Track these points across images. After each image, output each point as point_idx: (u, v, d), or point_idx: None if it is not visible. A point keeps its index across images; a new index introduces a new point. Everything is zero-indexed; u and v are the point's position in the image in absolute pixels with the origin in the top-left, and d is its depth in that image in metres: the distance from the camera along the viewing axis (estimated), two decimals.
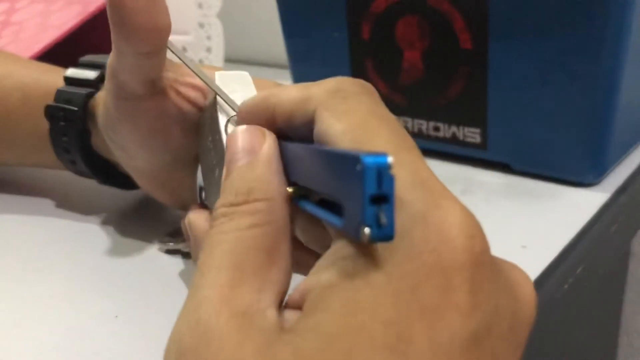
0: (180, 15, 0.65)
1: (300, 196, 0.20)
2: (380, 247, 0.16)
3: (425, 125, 0.46)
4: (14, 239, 0.38)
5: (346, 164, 0.15)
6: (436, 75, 0.44)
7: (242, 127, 0.22)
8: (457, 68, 0.43)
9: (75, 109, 0.34)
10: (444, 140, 0.46)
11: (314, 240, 0.24)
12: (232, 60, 0.83)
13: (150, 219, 0.39)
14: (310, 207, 0.19)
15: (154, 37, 0.27)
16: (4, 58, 0.41)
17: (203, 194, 0.34)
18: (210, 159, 0.29)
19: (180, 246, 0.35)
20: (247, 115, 0.23)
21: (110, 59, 0.29)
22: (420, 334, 0.15)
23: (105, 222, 0.39)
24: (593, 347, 0.60)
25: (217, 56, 0.66)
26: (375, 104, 0.20)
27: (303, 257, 0.24)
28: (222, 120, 0.26)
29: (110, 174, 0.37)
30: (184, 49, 0.67)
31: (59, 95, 0.35)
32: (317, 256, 0.23)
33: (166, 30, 0.27)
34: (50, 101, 0.36)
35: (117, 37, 0.27)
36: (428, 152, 0.47)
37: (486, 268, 0.16)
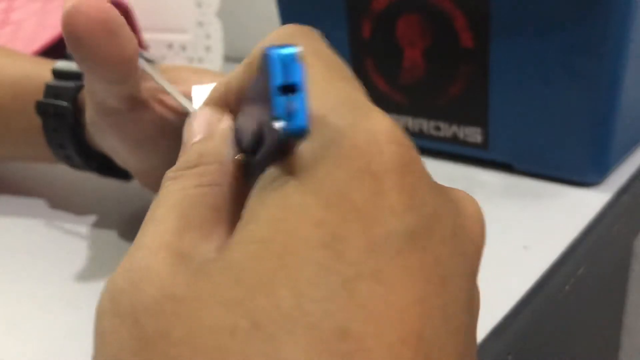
0: (178, 14, 0.65)
1: (249, 161, 0.20)
2: (308, 160, 0.16)
3: (426, 125, 0.46)
4: (13, 239, 0.38)
5: (259, 71, 0.15)
6: (437, 74, 0.44)
7: (199, 109, 0.22)
8: (458, 67, 0.42)
9: (65, 104, 0.34)
10: (444, 139, 0.45)
11: None
12: (232, 59, 0.83)
13: None
14: (257, 160, 0.19)
15: (120, 68, 0.26)
16: None
17: None
18: None
19: None
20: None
21: (84, 80, 0.29)
22: (354, 234, 0.14)
23: (105, 222, 0.39)
24: (595, 347, 0.60)
25: (216, 55, 0.66)
26: (315, 44, 0.20)
27: None
28: None
29: (108, 166, 0.37)
30: (183, 48, 0.67)
31: (48, 90, 0.35)
32: None
33: (133, 58, 0.26)
34: (40, 96, 0.35)
35: (82, 68, 0.26)
36: (429, 152, 0.47)
37: (418, 175, 0.16)
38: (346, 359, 0.13)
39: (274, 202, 0.15)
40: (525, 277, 0.31)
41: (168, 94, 0.28)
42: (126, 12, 0.55)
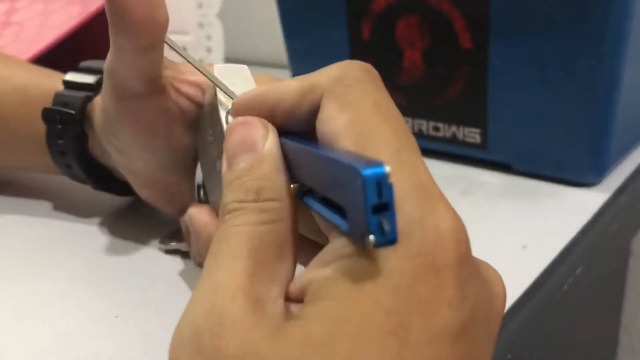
0: (180, 15, 0.65)
1: (303, 192, 0.21)
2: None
3: (425, 125, 0.46)
4: (14, 239, 0.38)
5: (346, 173, 0.16)
6: (436, 75, 0.44)
7: (242, 119, 0.22)
8: (458, 68, 0.43)
9: (73, 112, 0.34)
10: (444, 140, 0.46)
11: (312, 231, 0.24)
12: (232, 61, 0.83)
13: (150, 219, 0.39)
14: (315, 205, 0.20)
15: (153, 32, 0.27)
16: (5, 61, 0.41)
17: (201, 192, 0.34)
18: (211, 152, 0.29)
19: (180, 246, 0.35)
20: (244, 111, 0.23)
21: (108, 59, 0.29)
22: (417, 323, 0.16)
23: (105, 223, 0.39)
24: (593, 347, 0.60)
25: (217, 56, 0.66)
26: (380, 95, 0.21)
27: (302, 245, 0.24)
28: (222, 111, 0.26)
29: (106, 179, 0.37)
30: (184, 49, 0.67)
31: (57, 98, 0.35)
32: (314, 243, 0.24)
33: (164, 24, 0.27)
34: (48, 104, 0.36)
35: (115, 32, 0.27)
36: (428, 152, 0.47)
37: (470, 267, 0.18)
38: None
39: (349, 285, 0.17)
40: (524, 277, 0.32)
41: (193, 66, 0.28)
42: None
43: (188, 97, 0.31)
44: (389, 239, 0.16)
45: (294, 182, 0.21)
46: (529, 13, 0.39)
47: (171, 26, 0.28)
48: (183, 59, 0.28)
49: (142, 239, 0.36)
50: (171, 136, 0.31)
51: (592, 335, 0.58)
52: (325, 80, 0.21)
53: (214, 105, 0.27)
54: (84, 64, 0.37)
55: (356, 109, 0.20)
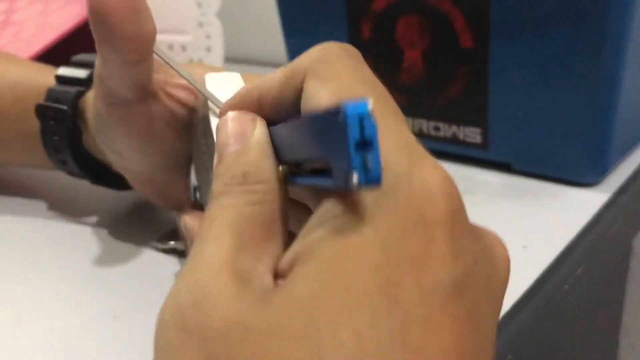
0: (179, 15, 0.65)
1: (292, 174, 0.21)
2: (367, 204, 0.17)
3: (425, 125, 0.46)
4: (13, 239, 0.38)
5: (328, 118, 0.16)
6: (437, 75, 0.44)
7: (232, 114, 0.22)
8: (458, 67, 0.43)
9: (65, 107, 0.34)
10: (444, 139, 0.46)
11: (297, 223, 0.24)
12: (232, 60, 0.83)
13: (148, 219, 0.39)
14: (302, 180, 0.20)
15: (140, 46, 0.26)
16: None
17: (197, 194, 0.34)
18: (203, 161, 0.29)
19: (177, 245, 0.35)
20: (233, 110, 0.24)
21: (97, 66, 0.29)
22: (408, 279, 0.16)
23: (103, 223, 0.39)
24: (594, 347, 0.60)
25: (216, 56, 0.66)
26: (360, 68, 0.21)
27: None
28: (214, 123, 0.26)
29: (102, 174, 0.37)
30: (184, 49, 0.67)
31: (49, 94, 0.35)
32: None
33: (152, 36, 0.27)
34: (41, 100, 0.35)
35: (101, 47, 0.27)
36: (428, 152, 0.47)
37: (463, 225, 0.17)
38: None
39: (336, 243, 0.16)
40: (524, 277, 0.32)
41: (185, 79, 0.27)
42: None
43: (179, 101, 0.31)
44: (373, 177, 0.15)
45: (282, 165, 0.21)
46: (529, 13, 0.38)
47: (171, 25, 0.28)
48: (173, 67, 0.28)
49: (140, 240, 0.36)
50: (163, 140, 0.31)
51: (593, 336, 0.58)
52: (307, 62, 0.21)
53: (205, 116, 0.27)
54: (76, 57, 0.37)
55: (337, 81, 0.20)
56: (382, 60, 0.46)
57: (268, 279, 0.18)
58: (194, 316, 0.16)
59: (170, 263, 0.34)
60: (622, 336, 0.70)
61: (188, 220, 0.29)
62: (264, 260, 0.18)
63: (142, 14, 0.26)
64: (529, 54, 0.39)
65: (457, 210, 0.17)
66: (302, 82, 0.21)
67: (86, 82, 0.35)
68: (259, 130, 0.22)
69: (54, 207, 0.41)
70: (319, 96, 0.20)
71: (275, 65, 0.79)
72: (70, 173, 0.38)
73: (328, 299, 0.15)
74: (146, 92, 0.29)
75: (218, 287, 0.17)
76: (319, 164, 0.18)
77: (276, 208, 0.20)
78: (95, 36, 0.26)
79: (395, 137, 0.18)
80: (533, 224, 0.37)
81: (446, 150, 0.46)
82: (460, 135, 0.45)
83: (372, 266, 0.16)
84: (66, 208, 0.41)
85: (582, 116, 0.39)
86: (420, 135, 0.46)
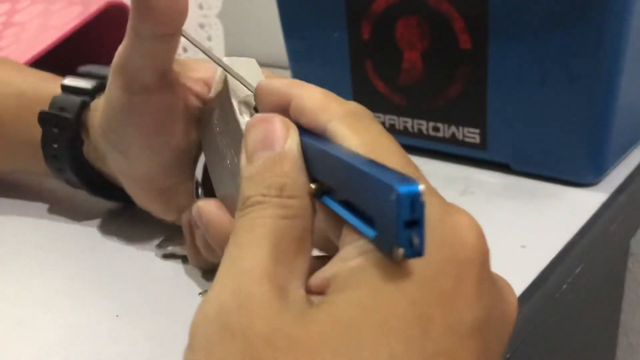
0: None
1: (322, 192, 0.21)
2: None
3: (425, 126, 0.46)
4: (14, 240, 0.38)
5: (379, 187, 0.17)
6: (436, 76, 0.44)
7: (262, 115, 0.23)
8: (457, 68, 0.43)
9: (69, 116, 0.35)
10: (443, 140, 0.46)
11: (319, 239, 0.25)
12: None
13: (149, 219, 0.39)
14: (335, 207, 0.20)
15: (174, 18, 0.27)
16: (3, 65, 0.41)
17: (199, 190, 0.34)
18: (219, 143, 0.29)
19: (176, 250, 0.35)
20: (267, 96, 0.25)
21: (120, 53, 0.29)
22: (438, 315, 0.17)
23: (105, 223, 0.39)
24: (592, 346, 0.60)
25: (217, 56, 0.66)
26: (383, 129, 0.23)
27: None
28: (234, 101, 0.27)
29: (100, 185, 0.37)
30: (185, 50, 0.67)
31: (54, 102, 0.35)
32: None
33: (185, 11, 0.28)
34: (45, 108, 0.36)
35: (138, 19, 0.27)
36: (428, 152, 0.47)
37: (488, 267, 0.19)
38: None
39: (376, 275, 0.18)
40: (523, 276, 0.32)
41: (206, 54, 0.28)
42: (128, 14, 0.56)
43: (194, 94, 0.31)
44: (416, 252, 0.16)
45: (313, 182, 0.21)
46: (527, 13, 0.39)
47: None
48: (199, 50, 0.29)
49: (141, 239, 0.37)
50: (174, 133, 0.31)
51: (591, 335, 0.59)
52: (340, 108, 0.23)
53: (225, 96, 0.28)
54: (83, 68, 0.37)
55: (367, 134, 0.21)
56: (382, 61, 0.46)
57: (302, 293, 0.19)
58: (238, 319, 0.18)
59: (172, 263, 0.34)
60: (621, 335, 0.70)
61: (203, 205, 0.29)
62: (296, 274, 0.20)
63: None
64: (527, 55, 0.40)
65: (484, 252, 0.19)
66: (328, 121, 0.22)
67: (91, 93, 0.35)
68: (292, 139, 0.22)
69: (55, 207, 0.42)
70: (351, 141, 0.21)
71: (276, 65, 0.80)
72: (68, 182, 0.38)
73: (369, 324, 0.17)
74: (165, 81, 0.30)
75: (260, 294, 0.18)
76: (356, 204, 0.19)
77: (307, 224, 0.21)
78: (132, 7, 0.27)
79: (429, 194, 0.19)
80: (532, 223, 0.37)
81: (445, 150, 0.46)
82: (459, 136, 0.45)
83: (409, 300, 0.17)
84: (68, 208, 0.41)
85: (580, 117, 0.39)
86: (419, 135, 0.47)
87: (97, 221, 0.39)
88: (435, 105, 0.45)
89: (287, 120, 0.23)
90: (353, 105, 0.23)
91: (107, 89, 0.31)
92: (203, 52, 0.28)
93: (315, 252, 0.23)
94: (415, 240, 0.16)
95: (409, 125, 0.47)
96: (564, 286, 0.34)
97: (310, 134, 0.22)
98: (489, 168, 0.45)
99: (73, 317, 0.30)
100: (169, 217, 0.34)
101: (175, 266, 0.34)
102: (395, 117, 0.47)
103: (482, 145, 0.44)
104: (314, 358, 0.16)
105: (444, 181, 0.43)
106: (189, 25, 0.66)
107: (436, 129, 0.46)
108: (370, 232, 0.18)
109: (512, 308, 0.21)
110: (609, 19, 0.36)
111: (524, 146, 0.42)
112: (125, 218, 0.40)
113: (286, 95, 0.24)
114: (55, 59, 0.50)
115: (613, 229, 0.40)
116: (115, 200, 0.38)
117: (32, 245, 0.37)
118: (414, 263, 0.18)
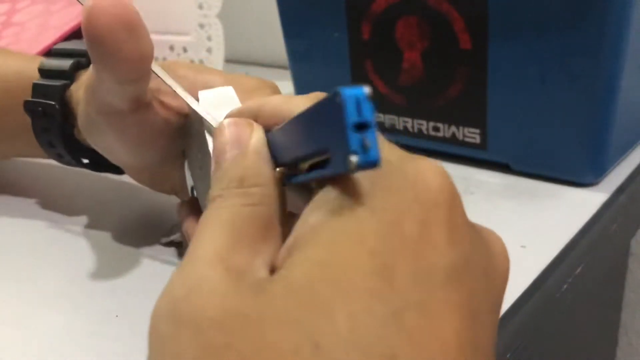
0: (180, 16, 0.65)
1: (289, 176, 0.21)
2: (363, 185, 0.17)
3: (425, 126, 0.46)
4: (13, 239, 0.38)
5: (326, 105, 0.16)
6: (436, 76, 0.44)
7: (229, 120, 0.23)
8: (457, 68, 0.43)
9: (53, 102, 0.34)
10: (443, 140, 0.46)
11: None
12: (232, 61, 0.84)
13: (149, 219, 0.39)
14: (301, 177, 0.20)
15: (138, 66, 0.26)
16: None
17: (195, 192, 0.34)
18: (199, 174, 0.29)
19: (175, 237, 0.35)
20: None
21: (90, 80, 0.28)
22: (402, 263, 0.15)
23: (105, 223, 0.39)
24: (593, 346, 0.60)
25: (217, 57, 0.66)
26: None
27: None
28: (209, 140, 0.26)
29: (99, 161, 0.37)
30: (185, 50, 0.67)
31: (35, 89, 0.35)
32: None
33: (149, 56, 0.26)
34: (29, 95, 0.35)
35: (98, 68, 0.26)
36: (428, 152, 0.47)
37: (459, 212, 0.17)
38: None
39: (332, 226, 0.16)
40: (523, 277, 0.32)
41: (180, 97, 0.28)
42: None
43: (173, 109, 0.31)
44: (371, 158, 0.15)
45: (279, 166, 0.21)
46: (527, 13, 0.39)
47: (172, 27, 0.28)
48: (169, 85, 0.28)
49: (141, 239, 0.37)
50: (156, 146, 0.31)
51: (591, 335, 0.59)
52: (304, 99, 0.22)
53: (201, 132, 0.27)
54: (57, 47, 0.36)
55: None
56: (382, 61, 0.46)
57: (264, 272, 0.18)
58: (187, 307, 0.16)
59: (173, 263, 0.34)
60: (621, 335, 0.70)
61: (188, 227, 0.30)
62: (260, 258, 0.18)
63: (139, 35, 0.25)
64: (527, 54, 0.40)
65: (452, 195, 0.17)
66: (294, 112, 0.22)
67: (70, 74, 0.35)
68: (256, 135, 0.22)
69: (55, 207, 0.42)
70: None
71: (276, 65, 0.80)
72: (68, 164, 0.38)
73: (324, 283, 0.15)
74: (140, 103, 0.29)
75: (212, 279, 0.17)
76: (317, 157, 0.18)
77: (273, 210, 0.20)
78: (91, 57, 0.26)
79: (388, 144, 0.19)
80: (532, 224, 0.37)
81: (445, 150, 0.46)
82: (460, 136, 0.45)
83: (368, 251, 0.16)
84: (68, 207, 0.41)
85: (580, 116, 0.39)
86: (419, 135, 0.47)
87: (97, 220, 0.39)
88: (435, 105, 0.45)
89: (249, 120, 0.23)
90: (315, 94, 0.23)
91: (81, 103, 0.31)
92: (171, 88, 0.27)
93: None
94: (367, 142, 0.15)
95: (409, 125, 0.47)
96: (565, 286, 0.34)
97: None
98: (489, 168, 0.45)
99: (73, 317, 0.30)
100: (164, 192, 0.35)
101: (176, 265, 0.34)
102: (395, 117, 0.47)
103: (482, 145, 0.44)
104: (265, 332, 0.15)
105: None
106: (189, 25, 0.66)
107: (436, 129, 0.46)
108: (327, 169, 0.17)
109: (502, 260, 0.19)
110: (609, 19, 0.36)
111: (524, 146, 0.42)
112: (126, 217, 0.40)
113: (254, 109, 0.23)
114: None
115: (613, 229, 0.40)
116: (119, 174, 0.38)
117: (32, 245, 0.37)
118: (374, 209, 0.16)
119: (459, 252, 0.16)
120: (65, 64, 0.35)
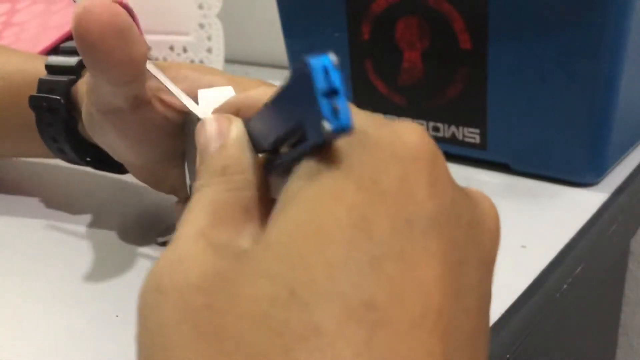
0: (180, 16, 0.65)
1: (272, 162, 0.21)
2: (340, 150, 0.17)
3: (425, 126, 0.46)
4: (13, 239, 0.38)
5: (295, 78, 0.16)
6: (436, 76, 0.44)
7: (210, 116, 0.23)
8: (457, 68, 0.43)
9: (58, 97, 0.34)
10: (443, 140, 0.46)
11: None
12: (233, 61, 0.84)
13: (149, 218, 0.39)
14: (283, 158, 0.20)
15: (131, 69, 0.26)
16: None
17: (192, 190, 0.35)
18: (195, 171, 0.29)
19: (172, 237, 0.35)
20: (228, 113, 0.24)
21: (88, 79, 0.29)
22: (381, 216, 0.16)
23: (104, 222, 0.39)
24: (592, 346, 0.60)
25: (217, 56, 0.66)
26: None
27: None
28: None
29: (102, 159, 0.37)
30: (185, 50, 0.67)
31: (41, 84, 0.35)
32: None
33: (143, 59, 0.26)
34: (33, 91, 0.35)
35: (91, 72, 0.26)
36: None
37: (440, 168, 0.17)
38: (371, 327, 0.14)
39: (311, 188, 0.16)
40: (523, 276, 0.32)
41: (174, 95, 0.28)
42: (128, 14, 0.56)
43: (172, 107, 0.31)
44: (343, 123, 0.15)
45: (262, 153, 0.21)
46: (527, 13, 0.39)
47: (172, 27, 0.28)
48: (164, 84, 0.28)
49: (141, 238, 0.37)
50: (157, 143, 0.31)
51: (591, 335, 0.59)
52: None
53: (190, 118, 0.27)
54: (65, 45, 0.36)
55: None
56: (382, 61, 0.46)
57: (249, 244, 0.18)
58: (170, 277, 0.17)
59: None
60: (621, 335, 0.70)
61: None
62: (244, 235, 0.18)
63: (130, 38, 0.25)
64: (527, 54, 0.40)
65: (431, 151, 0.17)
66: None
67: (76, 70, 0.35)
68: (235, 126, 0.22)
69: (54, 206, 0.42)
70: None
71: (276, 65, 0.80)
72: (70, 161, 0.38)
73: (301, 238, 0.15)
74: (140, 101, 0.29)
75: (194, 251, 0.17)
76: (295, 136, 0.19)
77: (255, 196, 0.20)
78: (84, 61, 0.26)
79: (364, 112, 0.19)
80: (532, 223, 0.37)
81: (445, 150, 0.46)
82: (459, 136, 0.45)
83: (346, 205, 0.16)
84: (67, 207, 0.41)
85: (580, 116, 0.39)
86: None
87: (96, 220, 0.39)
88: (435, 105, 0.45)
89: (228, 115, 0.23)
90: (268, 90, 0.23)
91: (85, 97, 0.31)
92: (166, 87, 0.28)
93: None
94: (339, 108, 0.15)
95: None
96: (564, 286, 0.34)
97: None
98: (489, 168, 0.45)
99: (73, 317, 0.30)
100: (164, 192, 0.35)
101: None
102: (395, 117, 0.47)
103: (482, 145, 0.44)
104: (245, 289, 0.15)
105: None
106: (189, 25, 0.66)
107: (436, 129, 0.46)
108: (305, 144, 0.17)
109: (490, 217, 0.19)
110: (609, 19, 0.36)
111: (524, 146, 0.42)
112: (125, 217, 0.40)
113: (236, 103, 0.24)
114: None
115: (613, 229, 0.40)
116: (121, 173, 0.38)
117: (31, 245, 0.37)
118: (352, 167, 0.16)
119: (440, 203, 0.16)
120: (72, 60, 0.35)
